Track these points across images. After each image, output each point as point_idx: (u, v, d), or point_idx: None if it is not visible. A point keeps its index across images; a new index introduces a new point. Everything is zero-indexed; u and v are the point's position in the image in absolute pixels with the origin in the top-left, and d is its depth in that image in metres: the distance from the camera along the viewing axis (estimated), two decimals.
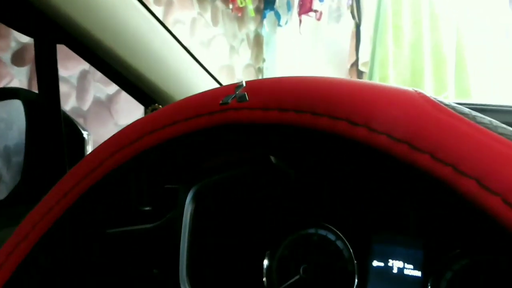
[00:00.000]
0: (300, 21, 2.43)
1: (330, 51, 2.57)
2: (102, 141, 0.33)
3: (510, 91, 2.06)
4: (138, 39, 0.61)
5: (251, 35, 2.54)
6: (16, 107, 0.67)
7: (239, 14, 2.36)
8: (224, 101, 0.25)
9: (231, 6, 2.29)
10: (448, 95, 2.00)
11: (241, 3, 2.24)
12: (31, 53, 0.63)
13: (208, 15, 2.21)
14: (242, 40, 2.47)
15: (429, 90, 2.02)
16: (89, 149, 0.69)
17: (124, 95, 0.70)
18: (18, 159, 0.66)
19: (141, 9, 0.61)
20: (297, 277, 0.39)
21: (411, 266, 0.36)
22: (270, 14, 2.52)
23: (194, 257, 0.37)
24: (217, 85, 0.75)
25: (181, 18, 2.03)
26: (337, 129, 0.21)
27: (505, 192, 0.16)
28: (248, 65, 2.51)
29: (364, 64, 2.31)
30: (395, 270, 0.36)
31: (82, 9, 0.54)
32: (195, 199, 0.37)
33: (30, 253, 0.31)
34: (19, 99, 0.68)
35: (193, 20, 2.11)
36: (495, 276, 0.32)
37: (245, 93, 0.25)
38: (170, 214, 0.39)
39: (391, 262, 0.37)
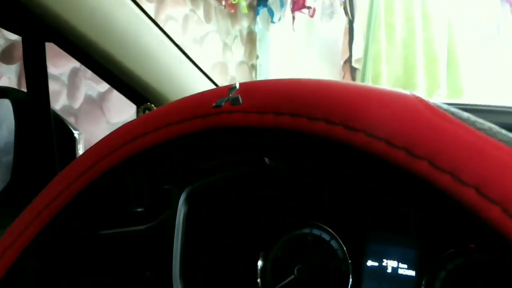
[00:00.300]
0: (294, 17, 2.43)
1: (324, 48, 2.57)
2: (94, 139, 0.32)
3: (502, 88, 2.09)
4: (128, 36, 0.60)
5: (244, 32, 2.53)
6: (5, 106, 0.66)
7: (232, 11, 2.35)
8: (217, 104, 0.25)
9: (224, 2, 2.27)
10: (440, 93, 2.02)
11: None
12: (20, 51, 0.62)
13: (200, 11, 2.19)
14: (235, 37, 2.45)
15: (422, 86, 2.04)
16: (80, 148, 0.68)
17: (116, 93, 0.69)
18: (8, 159, 0.65)
19: (131, 5, 0.60)
20: (291, 277, 0.39)
21: (405, 266, 0.36)
22: (263, 11, 2.51)
23: (187, 258, 0.36)
24: (210, 83, 0.75)
25: (173, 15, 2.02)
26: (334, 134, 0.20)
27: (504, 201, 0.16)
28: (241, 62, 2.50)
29: (357, 60, 2.31)
30: (389, 270, 0.36)
31: (70, 6, 0.53)
32: (188, 200, 0.37)
33: (19, 258, 0.30)
34: (8, 99, 0.67)
35: (186, 17, 2.09)
36: (489, 276, 0.32)
37: (239, 95, 0.25)
38: (164, 215, 0.38)
39: (385, 262, 0.37)
